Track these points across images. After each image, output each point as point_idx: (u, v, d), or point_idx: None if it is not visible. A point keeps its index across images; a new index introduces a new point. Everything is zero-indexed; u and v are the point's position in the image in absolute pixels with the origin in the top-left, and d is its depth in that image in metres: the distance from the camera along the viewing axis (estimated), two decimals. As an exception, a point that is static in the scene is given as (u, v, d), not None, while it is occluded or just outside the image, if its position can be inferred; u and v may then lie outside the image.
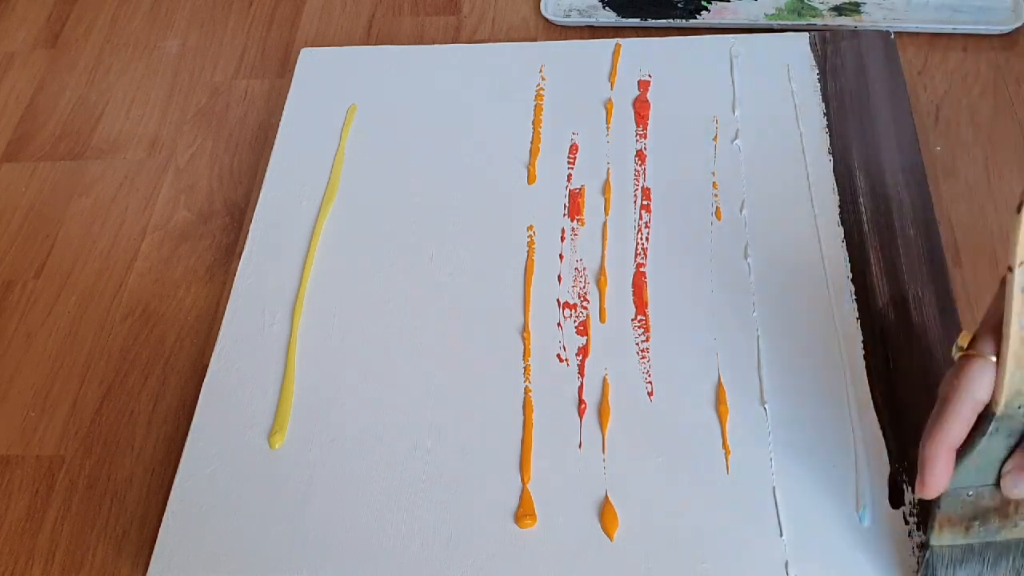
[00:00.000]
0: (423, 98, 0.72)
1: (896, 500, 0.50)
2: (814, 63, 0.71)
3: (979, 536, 0.45)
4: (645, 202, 0.64)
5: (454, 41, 0.79)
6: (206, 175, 0.72)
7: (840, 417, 0.54)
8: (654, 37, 0.75)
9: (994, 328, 0.41)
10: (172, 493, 0.54)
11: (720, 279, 0.60)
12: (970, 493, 0.44)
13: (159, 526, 0.53)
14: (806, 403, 0.54)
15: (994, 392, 0.41)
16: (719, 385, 0.56)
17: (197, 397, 0.58)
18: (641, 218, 0.64)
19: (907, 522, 0.50)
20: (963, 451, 0.43)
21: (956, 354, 0.43)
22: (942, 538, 0.45)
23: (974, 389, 0.41)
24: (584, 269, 0.62)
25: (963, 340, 0.42)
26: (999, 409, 0.41)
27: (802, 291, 0.59)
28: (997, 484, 0.43)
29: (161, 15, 0.86)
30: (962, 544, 0.45)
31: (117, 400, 0.61)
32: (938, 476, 0.43)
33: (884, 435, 0.53)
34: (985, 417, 0.42)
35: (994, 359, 0.41)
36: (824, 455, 0.52)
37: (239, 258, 0.65)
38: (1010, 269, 0.40)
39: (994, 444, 0.42)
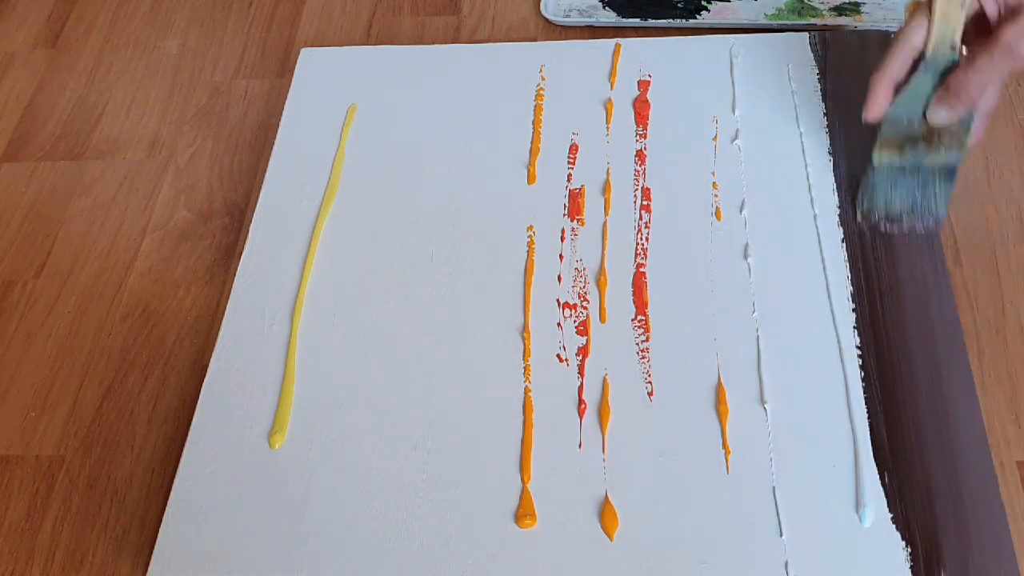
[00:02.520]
0: (423, 98, 0.72)
1: None
2: (814, 63, 0.71)
3: (911, 158, 0.58)
4: (645, 202, 0.64)
5: (454, 41, 0.79)
6: (206, 175, 0.72)
7: (840, 417, 0.54)
8: (654, 37, 0.75)
9: None
10: (172, 493, 0.54)
11: (720, 279, 0.60)
12: (904, 121, 0.57)
13: (159, 526, 0.53)
14: (806, 403, 0.54)
15: (925, 39, 0.54)
16: (719, 385, 0.56)
17: (197, 397, 0.58)
18: (641, 218, 0.64)
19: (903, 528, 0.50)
20: (901, 87, 0.56)
21: (906, 11, 0.55)
22: (882, 158, 0.59)
23: (911, 37, 0.55)
24: (584, 269, 0.62)
25: (911, 2, 0.55)
26: (928, 52, 0.55)
27: (802, 291, 0.59)
28: (925, 116, 0.56)
29: (161, 15, 0.86)
30: (898, 165, 0.59)
31: (117, 400, 0.61)
32: (879, 102, 0.57)
33: (884, 435, 0.53)
34: (919, 61, 0.55)
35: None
36: (824, 455, 0.52)
37: (239, 258, 0.65)
38: None
39: (923, 81, 0.56)
